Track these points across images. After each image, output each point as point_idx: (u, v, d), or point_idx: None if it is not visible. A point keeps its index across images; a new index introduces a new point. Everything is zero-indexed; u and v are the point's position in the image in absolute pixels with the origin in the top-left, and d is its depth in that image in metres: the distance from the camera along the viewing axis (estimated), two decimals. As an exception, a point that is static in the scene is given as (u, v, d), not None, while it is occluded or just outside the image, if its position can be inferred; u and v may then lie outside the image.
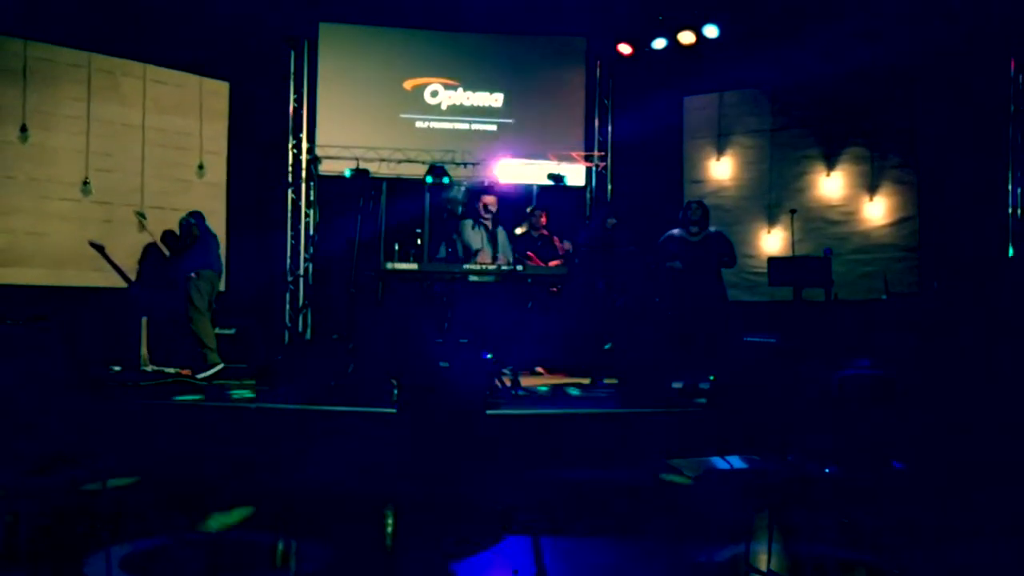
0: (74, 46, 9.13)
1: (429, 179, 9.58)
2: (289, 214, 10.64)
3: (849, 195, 9.79)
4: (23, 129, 8.70)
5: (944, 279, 8.40)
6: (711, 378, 7.02)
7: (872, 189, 9.63)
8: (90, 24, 9.06)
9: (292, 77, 10.63)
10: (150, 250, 9.01)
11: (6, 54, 8.69)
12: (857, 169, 9.76)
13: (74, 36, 9.09)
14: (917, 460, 5.38)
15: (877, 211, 9.60)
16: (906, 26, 8.98)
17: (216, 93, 10.27)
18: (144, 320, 8.79)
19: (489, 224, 7.73)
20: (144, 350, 8.69)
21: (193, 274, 8.03)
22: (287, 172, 10.63)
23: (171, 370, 8.20)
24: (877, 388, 6.01)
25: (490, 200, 7.73)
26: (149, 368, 8.48)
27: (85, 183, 9.07)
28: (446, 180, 9.63)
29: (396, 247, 7.98)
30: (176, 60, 9.85)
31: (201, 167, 10.01)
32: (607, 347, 8.16)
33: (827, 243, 9.10)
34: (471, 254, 7.69)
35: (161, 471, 5.34)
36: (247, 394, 7.17)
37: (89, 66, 9.23)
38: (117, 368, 8.26)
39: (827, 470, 5.21)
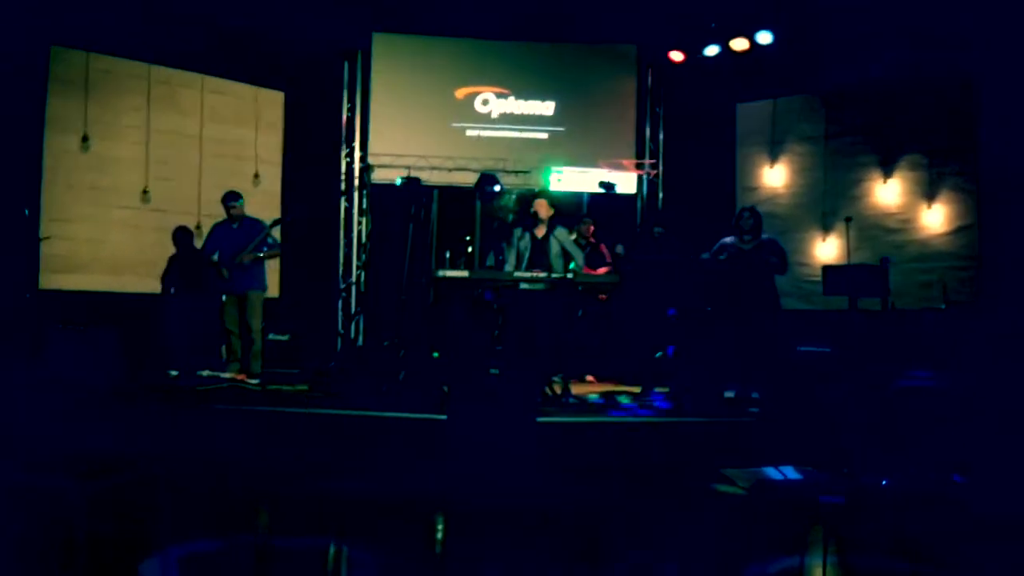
0: (134, 58, 9.36)
1: (480, 187, 9.63)
2: (342, 222, 10.76)
3: (906, 203, 9.61)
4: (84, 139, 8.93)
5: (1004, 288, 8.20)
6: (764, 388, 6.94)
7: (930, 197, 9.44)
8: (149, 37, 9.27)
9: (346, 87, 10.77)
10: (198, 255, 9.12)
11: (69, 66, 8.94)
12: (914, 176, 9.59)
13: (134, 48, 9.31)
14: (977, 472, 5.25)
15: (935, 219, 9.41)
16: (965, 30, 8.79)
17: (271, 103, 10.44)
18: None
19: (542, 231, 7.65)
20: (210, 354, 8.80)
21: (264, 290, 8.16)
22: (340, 181, 10.76)
23: (226, 375, 8.31)
24: (935, 399, 5.88)
25: (541, 205, 7.65)
26: (205, 373, 8.60)
27: (145, 192, 9.27)
28: (497, 188, 9.67)
29: (447, 254, 8.02)
30: (233, 71, 10.04)
31: (257, 176, 10.17)
32: (658, 355, 8.10)
33: (884, 251, 8.97)
34: (520, 262, 7.65)
35: (216, 475, 5.41)
36: (300, 399, 7.24)
37: (148, 77, 9.46)
38: (174, 373, 8.39)
39: (884, 482, 5.11)
